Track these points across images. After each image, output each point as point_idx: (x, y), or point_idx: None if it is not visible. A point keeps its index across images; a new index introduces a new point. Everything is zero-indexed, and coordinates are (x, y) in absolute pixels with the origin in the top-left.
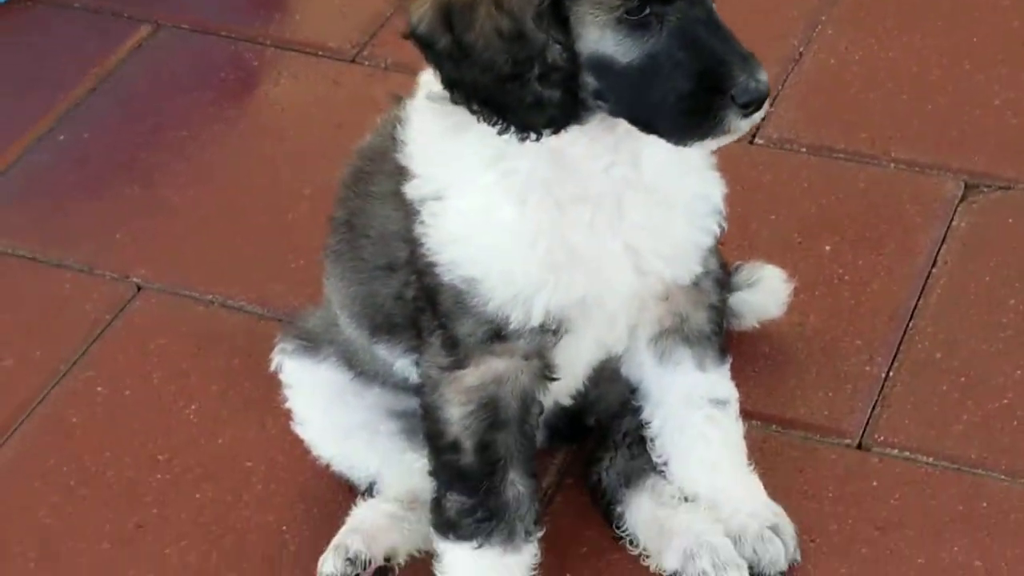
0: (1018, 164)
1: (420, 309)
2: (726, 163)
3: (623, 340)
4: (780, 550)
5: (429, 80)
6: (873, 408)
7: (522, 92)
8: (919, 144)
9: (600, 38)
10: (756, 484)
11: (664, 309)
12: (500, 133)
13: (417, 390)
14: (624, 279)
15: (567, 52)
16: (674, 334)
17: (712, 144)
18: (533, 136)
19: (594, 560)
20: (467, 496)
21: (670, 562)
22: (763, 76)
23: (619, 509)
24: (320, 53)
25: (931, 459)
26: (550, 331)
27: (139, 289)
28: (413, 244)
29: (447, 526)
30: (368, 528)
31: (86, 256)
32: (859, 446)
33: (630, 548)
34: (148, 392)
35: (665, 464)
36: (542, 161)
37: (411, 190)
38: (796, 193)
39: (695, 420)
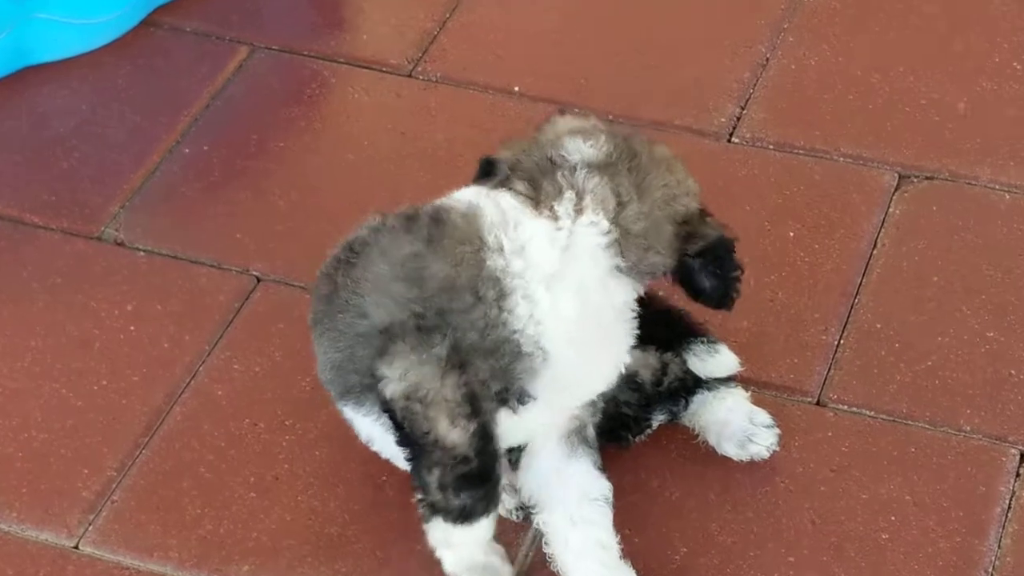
0: (940, 157)
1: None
2: (708, 160)
3: None
4: None
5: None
6: (828, 371)
7: None
8: (862, 140)
9: None
10: None
11: None
12: None
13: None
14: None
15: None
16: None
17: None
18: None
19: None
20: (478, 490)
21: None
22: None
23: None
24: (383, 69)
25: (872, 413)
26: None
27: (259, 281)
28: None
29: (462, 516)
30: None
31: (215, 253)
32: (818, 403)
33: None
34: (273, 368)
35: None
36: None
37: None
38: (765, 186)
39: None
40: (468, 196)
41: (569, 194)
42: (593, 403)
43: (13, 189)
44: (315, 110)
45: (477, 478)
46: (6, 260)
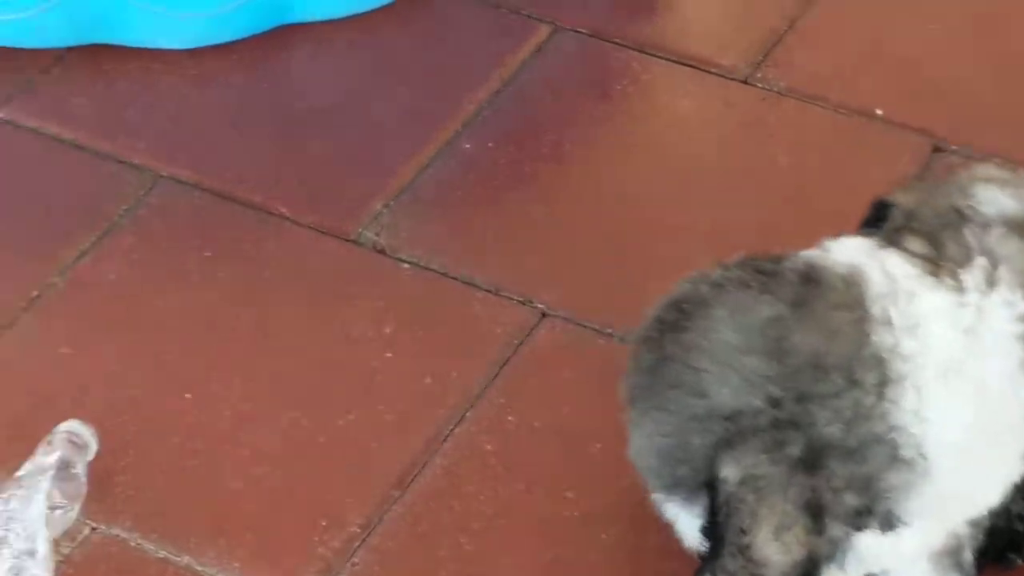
0: None
1: None
2: None
3: None
4: None
5: None
6: None
7: None
8: None
9: None
10: None
11: None
12: None
13: None
14: None
15: None
16: None
17: None
18: None
19: None
20: None
21: None
22: None
23: None
24: (713, 70)
25: None
26: None
27: (544, 316)
28: None
29: None
30: None
31: (493, 275)
32: None
33: None
34: (557, 425)
35: None
36: None
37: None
38: None
39: None
40: (848, 253)
41: (980, 260)
42: (979, 520)
43: (259, 171)
44: (625, 110)
45: None
46: (247, 254)
